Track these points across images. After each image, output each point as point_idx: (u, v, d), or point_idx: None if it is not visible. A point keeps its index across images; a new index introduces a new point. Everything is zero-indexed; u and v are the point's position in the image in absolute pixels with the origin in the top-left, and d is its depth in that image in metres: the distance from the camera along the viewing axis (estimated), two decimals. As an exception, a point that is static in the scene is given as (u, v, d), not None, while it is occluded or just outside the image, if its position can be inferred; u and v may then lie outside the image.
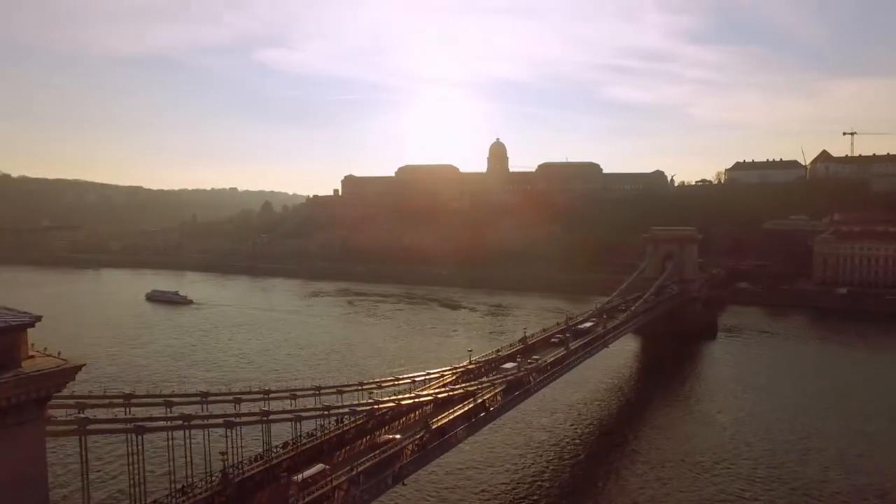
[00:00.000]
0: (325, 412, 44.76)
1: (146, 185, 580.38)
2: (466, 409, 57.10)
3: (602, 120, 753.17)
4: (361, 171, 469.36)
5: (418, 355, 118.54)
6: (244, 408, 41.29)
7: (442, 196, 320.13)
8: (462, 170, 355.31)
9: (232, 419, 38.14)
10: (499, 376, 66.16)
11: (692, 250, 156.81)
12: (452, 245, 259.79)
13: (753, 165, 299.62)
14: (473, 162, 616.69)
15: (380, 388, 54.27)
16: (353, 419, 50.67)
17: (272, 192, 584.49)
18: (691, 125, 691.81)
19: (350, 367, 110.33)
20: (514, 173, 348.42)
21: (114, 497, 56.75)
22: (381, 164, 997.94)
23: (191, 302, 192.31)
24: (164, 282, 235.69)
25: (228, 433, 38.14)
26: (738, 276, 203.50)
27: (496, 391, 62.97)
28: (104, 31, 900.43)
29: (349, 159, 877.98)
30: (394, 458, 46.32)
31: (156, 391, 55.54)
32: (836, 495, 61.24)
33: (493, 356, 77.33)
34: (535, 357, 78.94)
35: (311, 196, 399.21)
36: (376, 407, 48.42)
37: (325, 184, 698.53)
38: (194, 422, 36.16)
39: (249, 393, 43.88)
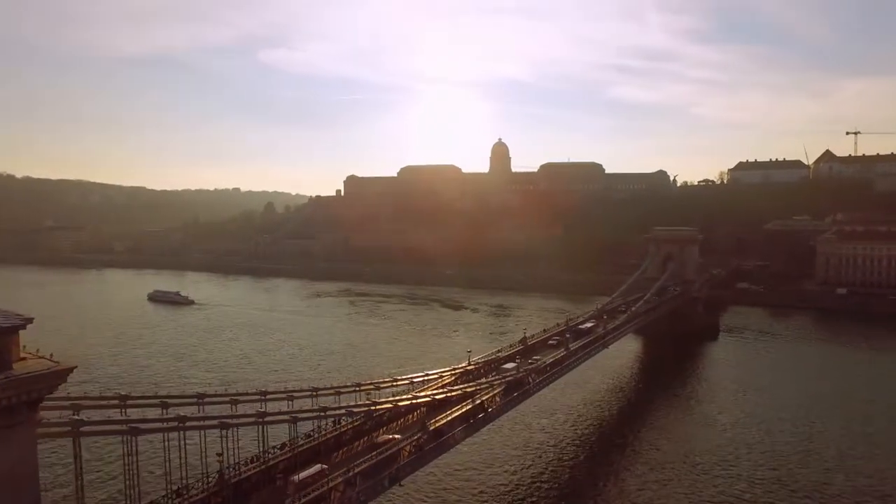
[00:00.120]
0: (323, 413, 44.65)
1: (149, 186, 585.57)
2: (465, 410, 57.03)
3: (605, 120, 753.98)
4: (364, 172, 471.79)
5: (419, 356, 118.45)
6: (241, 409, 41.26)
7: (444, 196, 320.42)
8: (464, 170, 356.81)
9: (227, 420, 38.11)
10: (498, 377, 66.20)
11: (693, 251, 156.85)
12: (455, 245, 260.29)
13: (756, 165, 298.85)
14: (476, 162, 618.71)
15: (378, 389, 54.05)
16: (350, 420, 50.59)
17: (275, 192, 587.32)
18: (694, 125, 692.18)
19: (350, 367, 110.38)
20: (516, 173, 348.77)
21: (111, 498, 56.90)
22: (383, 165, 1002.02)
23: (192, 302, 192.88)
24: (166, 282, 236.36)
25: (225, 434, 38.09)
26: (740, 276, 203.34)
27: (495, 392, 62.90)
28: (107, 31, 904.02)
29: (351, 160, 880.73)
30: (391, 460, 46.28)
31: (156, 391, 55.48)
32: (837, 497, 61.01)
33: (493, 357, 77.38)
34: (535, 358, 78.90)
35: (313, 196, 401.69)
36: (374, 408, 48.31)
37: (328, 184, 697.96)
38: (189, 423, 36.06)
39: (246, 394, 43.92)
